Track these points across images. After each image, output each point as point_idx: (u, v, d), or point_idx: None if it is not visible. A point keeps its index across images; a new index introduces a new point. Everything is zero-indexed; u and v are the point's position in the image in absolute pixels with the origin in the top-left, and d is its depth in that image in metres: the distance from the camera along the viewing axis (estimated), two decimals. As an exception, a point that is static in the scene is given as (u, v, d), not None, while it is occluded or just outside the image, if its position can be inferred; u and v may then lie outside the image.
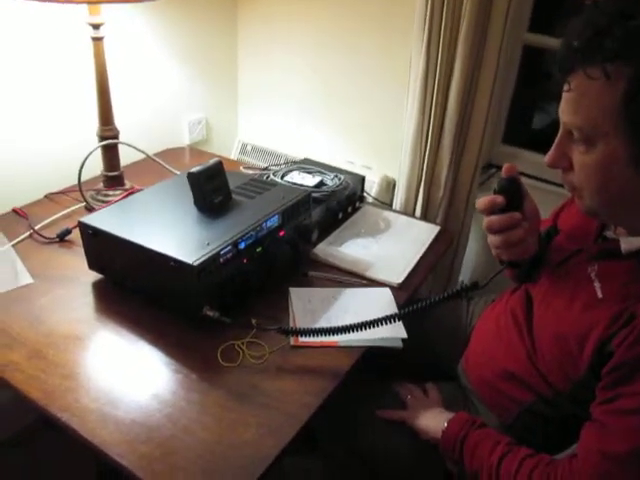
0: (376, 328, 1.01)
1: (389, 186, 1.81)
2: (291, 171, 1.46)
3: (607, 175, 0.76)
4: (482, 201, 0.92)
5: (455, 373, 1.16)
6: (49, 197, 1.48)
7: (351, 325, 0.99)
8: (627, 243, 0.82)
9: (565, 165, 0.81)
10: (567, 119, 0.77)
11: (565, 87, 0.76)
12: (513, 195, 0.91)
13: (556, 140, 0.81)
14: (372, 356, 1.07)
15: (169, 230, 1.09)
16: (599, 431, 0.77)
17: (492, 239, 0.95)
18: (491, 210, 0.91)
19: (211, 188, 1.16)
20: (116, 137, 1.40)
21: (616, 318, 0.77)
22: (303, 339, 1.03)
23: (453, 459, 0.95)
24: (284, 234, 1.19)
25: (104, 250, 1.12)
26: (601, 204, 0.80)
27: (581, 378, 0.83)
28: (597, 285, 0.84)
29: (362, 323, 1.00)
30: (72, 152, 1.46)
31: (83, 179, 1.39)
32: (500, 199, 0.90)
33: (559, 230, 1.04)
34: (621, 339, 0.75)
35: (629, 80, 0.69)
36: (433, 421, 1.01)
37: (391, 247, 1.37)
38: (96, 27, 1.26)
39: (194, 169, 1.13)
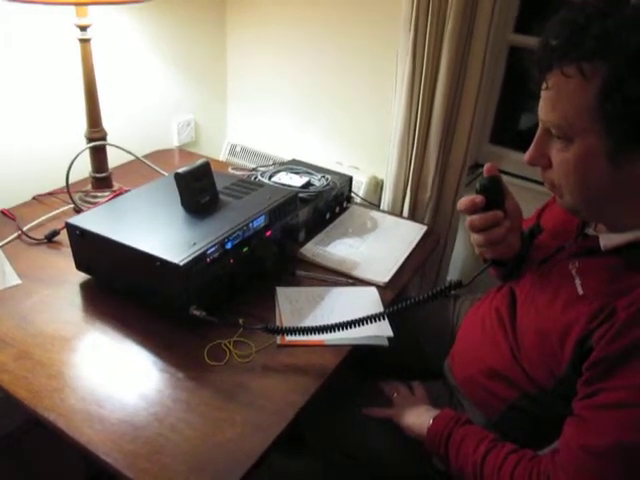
0: (362, 327, 1.02)
1: (377, 186, 1.82)
2: (279, 172, 1.47)
3: (585, 171, 0.77)
4: (463, 201, 0.94)
5: (442, 372, 1.17)
6: (37, 199, 1.48)
7: (337, 324, 1.00)
8: (606, 240, 0.83)
9: (544, 163, 0.83)
10: (545, 117, 0.79)
11: (543, 86, 0.78)
12: (494, 194, 0.93)
13: (535, 138, 0.82)
14: (360, 355, 1.09)
15: (156, 230, 1.10)
16: (580, 426, 0.78)
17: (475, 238, 0.97)
18: (472, 210, 0.93)
19: (198, 188, 1.17)
20: (104, 139, 1.40)
21: (596, 314, 0.78)
22: (289, 338, 1.04)
23: (439, 456, 0.96)
24: (271, 234, 1.20)
25: (91, 251, 1.12)
26: (580, 200, 0.82)
27: (563, 374, 0.84)
28: (578, 282, 0.84)
29: (348, 322, 1.00)
30: (60, 154, 1.47)
31: (71, 181, 1.40)
32: (479, 199, 0.92)
33: (542, 229, 1.05)
34: (601, 334, 0.76)
35: (604, 78, 0.70)
36: (419, 419, 1.02)
37: (378, 247, 1.38)
38: (83, 29, 1.26)
39: (181, 170, 1.14)
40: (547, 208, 1.11)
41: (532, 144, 0.83)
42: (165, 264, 0.99)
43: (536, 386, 0.90)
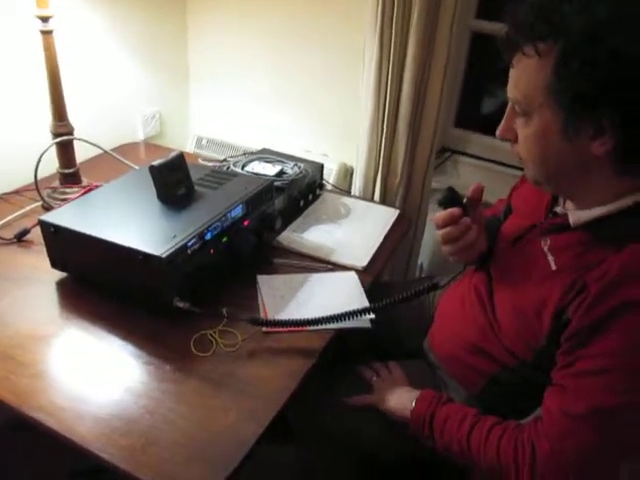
0: (344, 309, 1.05)
1: (346, 173, 1.84)
2: (251, 161, 1.47)
3: (543, 146, 0.83)
4: (440, 217, 0.98)
5: (420, 351, 1.20)
6: (2, 197, 1.44)
7: (321, 318, 1.03)
8: (575, 216, 0.87)
9: (512, 137, 0.88)
10: (510, 94, 0.85)
11: (511, 65, 0.84)
12: (459, 203, 0.98)
13: (505, 114, 0.88)
14: (342, 341, 1.10)
15: (133, 224, 1.09)
16: (560, 393, 0.82)
17: (449, 248, 1.02)
18: (451, 222, 0.98)
19: (173, 180, 1.16)
20: (71, 133, 1.37)
21: (569, 288, 0.81)
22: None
23: (424, 437, 0.98)
24: (248, 223, 1.20)
25: (67, 248, 1.10)
26: (542, 174, 0.87)
27: (542, 346, 0.87)
28: (550, 258, 0.88)
29: (332, 316, 1.04)
30: (23, 150, 1.43)
31: (37, 178, 1.36)
32: (457, 211, 0.97)
33: (512, 209, 1.09)
34: (576, 307, 0.80)
35: (556, 56, 0.76)
36: (400, 402, 1.04)
37: (353, 232, 1.40)
38: (45, 20, 1.23)
39: (156, 162, 1.13)
40: (517, 189, 1.15)
41: (503, 120, 0.88)
42: (147, 257, 0.98)
43: (516, 359, 0.94)
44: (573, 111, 0.77)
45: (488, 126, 1.83)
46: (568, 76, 0.75)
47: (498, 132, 0.89)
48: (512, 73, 0.84)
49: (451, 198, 0.98)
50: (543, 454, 0.81)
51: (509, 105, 0.87)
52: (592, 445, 0.79)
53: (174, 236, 1.03)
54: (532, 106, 0.81)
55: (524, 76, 0.81)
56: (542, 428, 0.83)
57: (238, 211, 1.16)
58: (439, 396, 0.99)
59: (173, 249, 0.99)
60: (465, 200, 0.99)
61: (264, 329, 1.05)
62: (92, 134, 1.49)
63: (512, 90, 0.84)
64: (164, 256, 0.97)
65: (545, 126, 0.81)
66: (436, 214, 1.00)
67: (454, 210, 0.97)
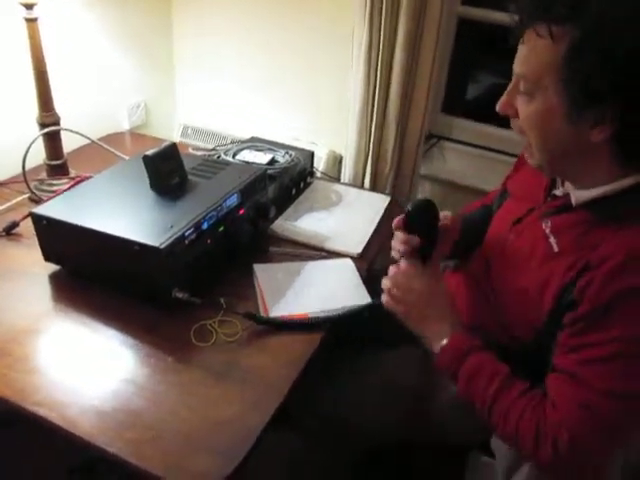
0: (341, 298, 1.06)
1: (335, 161, 1.83)
2: (241, 150, 1.45)
3: (545, 127, 0.83)
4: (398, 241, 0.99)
5: (416, 336, 1.20)
6: (-13, 190, 1.41)
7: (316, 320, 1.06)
8: (577, 195, 0.88)
9: (511, 112, 0.88)
10: (517, 69, 0.84)
11: (521, 40, 0.82)
12: (421, 223, 0.97)
13: (507, 88, 0.87)
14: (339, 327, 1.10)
15: (129, 215, 1.07)
16: (571, 382, 0.79)
17: None
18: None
19: (167, 170, 1.15)
20: (58, 123, 1.34)
21: (571, 266, 0.82)
22: (274, 313, 1.05)
23: (446, 373, 0.93)
24: (244, 212, 1.19)
25: (61, 241, 1.08)
26: (545, 156, 0.87)
27: (543, 326, 0.88)
28: (553, 240, 0.89)
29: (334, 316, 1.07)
30: (7, 142, 1.40)
31: (22, 170, 1.32)
32: (416, 240, 0.96)
33: (509, 193, 1.09)
34: (581, 289, 0.79)
35: (570, 43, 0.75)
36: (434, 331, 0.95)
37: (346, 219, 1.40)
38: (29, 7, 1.20)
39: (149, 152, 1.11)
40: (512, 174, 1.15)
41: (504, 94, 0.88)
42: (144, 248, 0.97)
43: (516, 340, 0.94)
44: (578, 99, 0.76)
45: (473, 112, 1.84)
46: (580, 66, 0.74)
47: (498, 106, 0.89)
48: (522, 49, 0.83)
49: (415, 219, 0.97)
50: (564, 445, 0.78)
51: (513, 80, 0.86)
52: (615, 430, 0.78)
53: (171, 226, 1.02)
54: (537, 85, 0.80)
55: (533, 55, 0.80)
56: (558, 417, 0.80)
57: (233, 200, 1.15)
58: (471, 341, 0.91)
59: (171, 240, 0.98)
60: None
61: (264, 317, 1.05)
62: (77, 124, 1.46)
63: (520, 66, 0.83)
64: (162, 247, 0.96)
65: (548, 107, 0.80)
66: (395, 221, 0.99)
67: (398, 233, 0.98)
